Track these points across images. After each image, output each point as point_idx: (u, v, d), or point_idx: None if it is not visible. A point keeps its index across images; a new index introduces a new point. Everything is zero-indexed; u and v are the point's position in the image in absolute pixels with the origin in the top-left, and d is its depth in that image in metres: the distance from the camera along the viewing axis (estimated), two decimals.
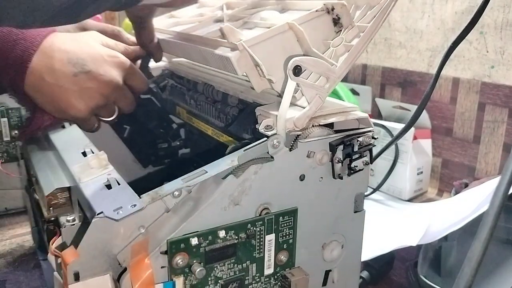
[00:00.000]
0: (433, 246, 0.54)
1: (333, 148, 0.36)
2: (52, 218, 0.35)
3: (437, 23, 0.79)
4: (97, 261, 0.30)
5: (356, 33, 0.37)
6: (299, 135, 0.35)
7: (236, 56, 0.34)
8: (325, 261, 0.39)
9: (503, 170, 0.30)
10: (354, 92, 0.89)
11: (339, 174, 0.37)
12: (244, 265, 0.35)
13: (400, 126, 0.71)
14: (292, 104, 0.37)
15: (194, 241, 0.32)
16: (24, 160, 0.52)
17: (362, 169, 0.38)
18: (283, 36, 0.35)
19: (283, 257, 0.36)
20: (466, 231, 0.50)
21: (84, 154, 0.39)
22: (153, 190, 0.32)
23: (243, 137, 0.42)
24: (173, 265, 0.31)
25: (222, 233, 0.33)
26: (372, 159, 0.38)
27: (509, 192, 0.29)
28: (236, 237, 0.34)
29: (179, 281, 0.32)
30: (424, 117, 0.78)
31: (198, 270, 0.32)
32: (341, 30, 0.37)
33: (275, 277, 0.37)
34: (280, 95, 0.35)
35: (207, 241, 0.32)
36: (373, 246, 0.53)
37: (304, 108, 0.35)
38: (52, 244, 0.33)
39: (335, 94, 0.82)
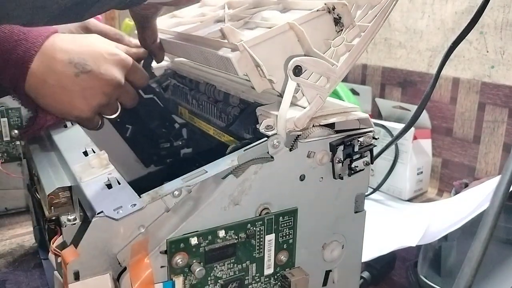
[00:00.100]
0: (433, 246, 0.54)
1: (333, 148, 0.36)
2: (53, 217, 0.35)
3: (437, 23, 0.79)
4: (97, 261, 0.30)
5: (357, 33, 0.37)
6: (300, 135, 0.35)
7: (236, 56, 0.34)
8: (325, 261, 0.39)
9: (503, 170, 0.30)
10: (354, 92, 0.89)
11: (340, 174, 0.37)
12: (244, 265, 0.35)
13: (400, 126, 0.71)
14: (293, 104, 0.37)
15: (194, 240, 0.32)
16: (26, 160, 0.52)
17: (362, 169, 0.38)
18: (284, 36, 0.35)
19: (283, 257, 0.36)
20: (466, 231, 0.50)
21: (86, 153, 0.39)
22: (153, 190, 0.32)
23: (244, 137, 0.42)
24: (172, 264, 0.31)
25: (222, 233, 0.33)
26: (372, 159, 0.38)
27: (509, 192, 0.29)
28: (236, 237, 0.34)
29: (178, 281, 0.32)
30: (424, 117, 0.78)
31: (197, 270, 0.32)
32: (342, 30, 0.37)
33: (275, 277, 0.37)
34: (281, 95, 0.35)
35: (206, 241, 0.32)
36: (373, 247, 0.53)
37: (304, 108, 0.35)
38: (52, 243, 0.33)
39: (335, 94, 0.82)
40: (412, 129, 0.68)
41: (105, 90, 0.44)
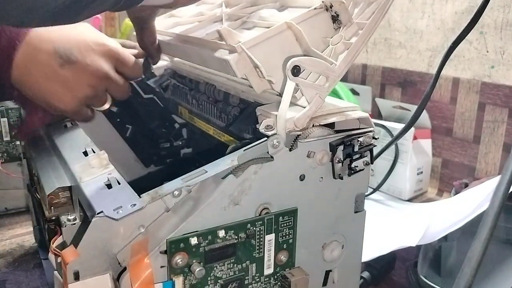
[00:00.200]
0: (433, 246, 0.54)
1: (333, 148, 0.36)
2: (53, 217, 0.35)
3: (437, 23, 0.79)
4: (97, 261, 0.30)
5: (355, 30, 0.37)
6: (299, 135, 0.35)
7: (234, 58, 0.34)
8: (325, 261, 0.39)
9: (503, 170, 0.30)
10: (354, 92, 0.89)
11: (339, 174, 0.37)
12: (244, 265, 0.35)
13: (400, 126, 0.71)
14: (293, 103, 0.37)
15: (194, 240, 0.32)
16: (26, 160, 0.52)
17: (362, 169, 0.38)
18: (282, 36, 0.35)
19: (283, 257, 0.36)
20: (466, 231, 0.50)
21: (86, 153, 0.39)
22: (153, 190, 0.32)
23: (244, 137, 0.42)
24: (172, 264, 0.31)
25: (221, 233, 0.33)
26: (372, 159, 0.38)
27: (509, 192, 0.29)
28: (236, 237, 0.34)
29: (178, 281, 0.32)
30: (424, 117, 0.78)
31: (197, 269, 0.32)
32: (340, 28, 0.37)
33: (275, 277, 0.37)
34: (281, 95, 0.35)
35: (206, 241, 0.32)
36: (372, 247, 0.53)
37: (304, 107, 0.35)
38: (52, 243, 0.33)
39: (335, 94, 0.82)
40: (412, 129, 0.68)
41: (91, 82, 0.43)
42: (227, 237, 0.33)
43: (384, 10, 0.37)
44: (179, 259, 0.31)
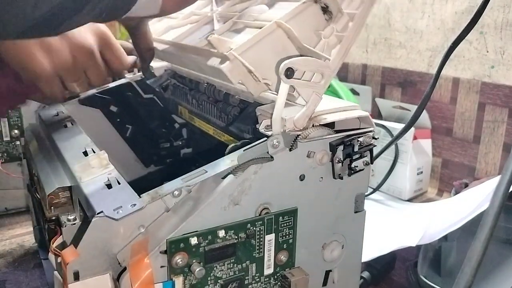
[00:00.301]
0: (433, 246, 0.54)
1: (333, 148, 0.36)
2: (53, 217, 0.35)
3: (437, 23, 0.79)
4: (96, 261, 0.30)
5: (346, 21, 0.36)
6: (299, 135, 0.35)
7: (227, 67, 0.34)
8: (325, 261, 0.39)
9: (503, 170, 0.30)
10: (354, 92, 0.90)
11: (339, 174, 0.37)
12: (244, 265, 0.35)
13: (400, 126, 0.71)
14: (292, 103, 0.37)
15: (194, 240, 0.32)
16: (26, 160, 0.52)
17: (362, 169, 0.38)
18: (273, 36, 0.35)
19: (283, 257, 0.36)
20: (466, 231, 0.50)
21: (86, 153, 0.39)
22: (153, 190, 0.32)
23: (244, 137, 0.42)
24: (172, 264, 0.31)
25: (221, 233, 0.33)
26: (372, 159, 0.38)
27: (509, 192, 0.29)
28: (236, 237, 0.34)
29: (178, 281, 0.32)
30: (424, 117, 0.78)
31: (197, 269, 0.32)
32: (331, 18, 0.36)
33: (275, 277, 0.37)
34: None
35: (206, 241, 0.32)
36: (372, 247, 0.53)
37: (304, 106, 0.35)
38: (52, 243, 0.33)
39: (335, 94, 0.82)
40: (412, 129, 0.68)
41: (74, 52, 0.42)
42: (227, 237, 0.33)
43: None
44: (179, 259, 0.31)
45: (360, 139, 0.37)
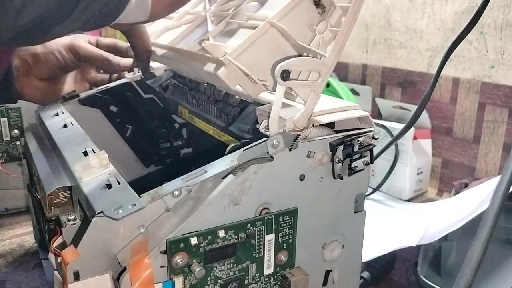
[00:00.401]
0: (433, 246, 0.54)
1: (333, 148, 0.36)
2: (53, 217, 0.35)
3: (437, 23, 0.79)
4: (96, 261, 0.30)
5: (339, 15, 0.36)
6: (299, 135, 0.35)
7: (223, 72, 0.33)
8: (325, 261, 0.39)
9: (503, 170, 0.30)
10: (354, 92, 0.90)
11: (339, 174, 0.37)
12: (244, 265, 0.35)
13: (400, 126, 0.71)
14: (291, 103, 0.37)
15: (194, 240, 0.32)
16: (26, 160, 0.52)
17: (362, 169, 0.38)
18: (267, 36, 0.34)
19: (283, 257, 0.36)
20: (466, 231, 0.50)
21: (86, 153, 0.39)
22: (153, 190, 0.32)
23: (244, 137, 0.42)
24: (172, 264, 0.31)
25: (221, 233, 0.33)
26: (372, 159, 0.38)
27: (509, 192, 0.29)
28: (236, 237, 0.34)
29: (178, 281, 0.32)
30: (424, 117, 0.78)
31: (197, 269, 0.32)
32: (324, 11, 0.36)
33: (275, 277, 0.37)
34: None
35: (206, 241, 0.32)
36: (372, 247, 0.53)
37: (303, 105, 0.35)
38: (52, 243, 0.33)
39: (335, 94, 0.82)
40: (412, 129, 0.68)
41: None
42: (227, 237, 0.33)
43: None
44: (179, 259, 0.31)
45: (360, 139, 0.37)
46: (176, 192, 0.32)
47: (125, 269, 0.30)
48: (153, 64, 0.57)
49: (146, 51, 0.49)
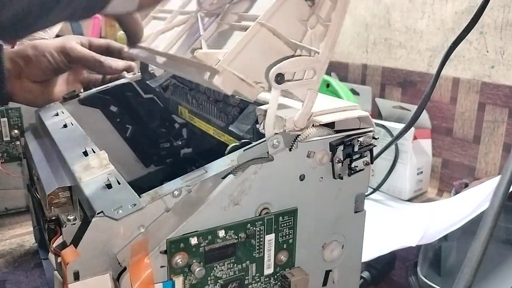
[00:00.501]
0: (433, 246, 0.54)
1: (333, 148, 0.36)
2: (53, 217, 0.35)
3: (437, 23, 0.79)
4: (96, 261, 0.30)
5: (329, 7, 0.35)
6: (299, 135, 0.35)
7: (218, 80, 0.33)
8: (325, 261, 0.39)
9: (503, 170, 0.30)
10: (354, 92, 0.90)
11: (339, 174, 0.37)
12: (244, 265, 0.35)
13: (400, 126, 0.71)
14: (291, 100, 0.37)
15: (194, 240, 0.32)
16: (26, 160, 0.52)
17: (362, 169, 0.38)
18: (259, 37, 0.34)
19: (283, 257, 0.36)
20: (466, 231, 0.50)
21: (86, 153, 0.39)
22: (153, 190, 0.32)
23: (244, 137, 0.42)
24: (172, 264, 0.31)
25: (221, 233, 0.33)
26: (372, 159, 0.38)
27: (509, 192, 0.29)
28: (236, 237, 0.34)
29: (178, 281, 0.32)
30: (424, 117, 0.78)
31: (197, 269, 0.32)
32: (314, 3, 0.35)
33: (275, 277, 0.37)
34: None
35: (206, 241, 0.32)
36: (372, 247, 0.53)
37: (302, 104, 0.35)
38: (52, 243, 0.33)
39: (335, 94, 0.82)
40: (412, 129, 0.68)
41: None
42: (227, 237, 0.33)
43: None
44: (179, 259, 0.31)
45: (360, 139, 0.37)
46: (176, 192, 0.32)
47: (125, 269, 0.30)
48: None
49: (138, 37, 0.49)
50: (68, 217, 0.33)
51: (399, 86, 0.86)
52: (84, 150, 0.40)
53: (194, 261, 0.32)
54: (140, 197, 0.32)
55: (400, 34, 0.85)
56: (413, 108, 0.74)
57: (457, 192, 0.67)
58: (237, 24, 0.38)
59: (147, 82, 0.60)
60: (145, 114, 0.62)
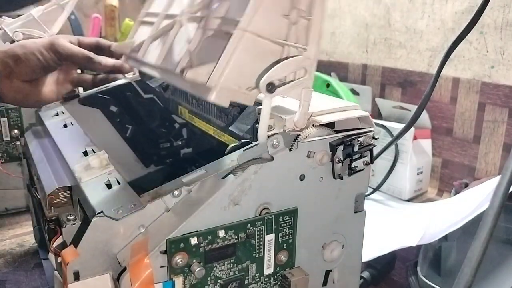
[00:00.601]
0: (433, 246, 0.54)
1: (333, 148, 0.36)
2: (53, 217, 0.35)
3: (437, 23, 0.79)
4: (97, 261, 0.30)
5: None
6: (299, 135, 0.35)
7: (213, 96, 0.32)
8: (325, 261, 0.39)
9: (503, 170, 0.30)
10: (354, 92, 0.90)
11: (339, 174, 0.37)
12: (244, 265, 0.35)
13: (400, 126, 0.71)
14: (290, 99, 0.36)
15: (194, 240, 0.32)
16: (26, 160, 0.52)
17: (362, 169, 0.38)
18: (244, 43, 0.33)
19: (283, 257, 0.36)
20: (466, 231, 0.50)
21: (86, 153, 0.39)
22: (153, 190, 0.32)
23: (244, 137, 0.42)
24: (172, 264, 0.31)
25: (221, 233, 0.33)
26: (372, 159, 0.38)
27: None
28: (236, 237, 0.34)
29: (178, 281, 0.32)
30: (424, 117, 0.78)
31: (197, 269, 0.32)
32: None
33: (275, 277, 0.37)
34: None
35: (206, 241, 0.32)
36: (372, 247, 0.53)
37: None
38: (52, 243, 0.33)
39: (335, 94, 0.82)
40: (412, 129, 0.68)
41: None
42: (227, 237, 0.33)
43: None
44: (179, 259, 0.31)
45: (360, 139, 0.37)
46: (176, 192, 0.32)
47: (125, 269, 0.30)
48: None
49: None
50: (68, 217, 0.33)
51: (399, 86, 0.86)
52: (84, 150, 0.40)
53: (194, 261, 0.32)
54: (140, 197, 0.32)
55: (400, 34, 0.85)
56: (413, 108, 0.74)
57: (457, 192, 0.67)
58: (221, 30, 0.37)
59: (147, 82, 0.60)
60: (145, 114, 0.62)
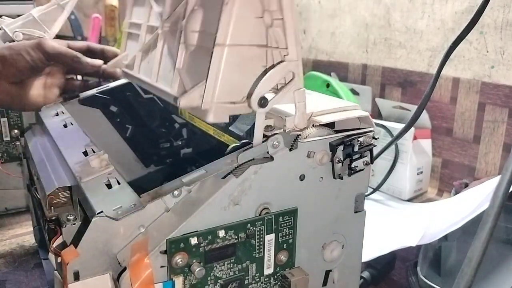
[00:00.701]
0: (433, 246, 0.54)
1: (333, 148, 0.36)
2: (53, 217, 0.35)
3: (437, 23, 0.79)
4: (97, 261, 0.30)
5: None
6: (299, 135, 0.35)
7: (211, 117, 0.33)
8: (325, 261, 0.39)
9: (503, 170, 0.30)
10: (354, 92, 0.90)
11: (339, 174, 0.37)
12: (244, 265, 0.35)
13: (400, 126, 0.71)
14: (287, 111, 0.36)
15: (194, 240, 0.32)
16: (26, 160, 0.52)
17: (362, 169, 0.38)
18: (227, 56, 0.33)
19: (283, 257, 0.36)
20: (466, 231, 0.50)
21: (86, 153, 0.39)
22: (153, 190, 0.32)
23: (244, 137, 0.42)
24: (172, 264, 0.31)
25: (221, 233, 0.33)
26: (372, 159, 0.38)
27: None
28: (236, 237, 0.34)
29: (178, 281, 0.32)
30: (424, 117, 0.78)
31: (197, 269, 0.32)
32: None
33: (275, 277, 0.37)
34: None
35: (206, 241, 0.32)
36: (372, 247, 0.53)
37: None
38: (52, 243, 0.33)
39: (335, 94, 0.82)
40: (412, 129, 0.68)
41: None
42: (227, 237, 0.33)
43: None
44: (179, 259, 0.31)
45: (360, 139, 0.37)
46: (176, 192, 0.32)
47: (125, 269, 0.30)
48: None
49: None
50: (68, 217, 0.33)
51: (399, 86, 0.86)
52: (84, 150, 0.40)
53: (194, 261, 0.32)
54: (140, 197, 0.32)
55: (400, 34, 0.85)
56: (413, 108, 0.74)
57: (457, 192, 0.67)
58: (201, 46, 0.36)
59: None
60: (145, 114, 0.62)
